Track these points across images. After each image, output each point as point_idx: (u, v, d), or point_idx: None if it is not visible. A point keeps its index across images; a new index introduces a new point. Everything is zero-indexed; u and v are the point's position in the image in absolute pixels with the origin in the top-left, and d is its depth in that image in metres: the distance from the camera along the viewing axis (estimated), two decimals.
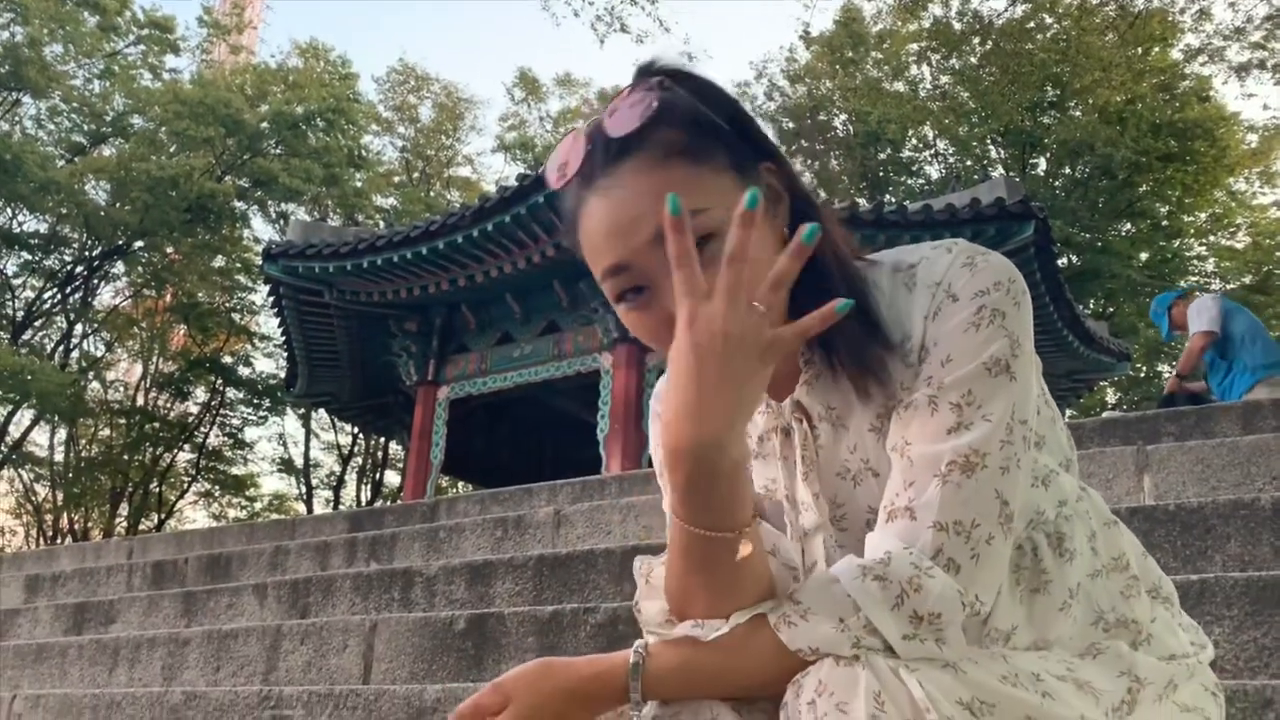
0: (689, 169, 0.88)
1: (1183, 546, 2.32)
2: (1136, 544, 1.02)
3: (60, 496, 19.10)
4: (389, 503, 19.44)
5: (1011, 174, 16.87)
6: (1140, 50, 13.92)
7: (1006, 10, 13.23)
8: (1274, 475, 2.73)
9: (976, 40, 13.31)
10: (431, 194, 23.02)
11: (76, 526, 19.34)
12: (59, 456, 19.12)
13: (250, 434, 32.01)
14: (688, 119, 0.89)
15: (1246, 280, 18.83)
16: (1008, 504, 0.84)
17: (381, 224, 18.76)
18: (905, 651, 0.79)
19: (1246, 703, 1.54)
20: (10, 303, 18.26)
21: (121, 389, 20.99)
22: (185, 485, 21.47)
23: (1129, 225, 19.34)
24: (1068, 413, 14.79)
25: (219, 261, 19.62)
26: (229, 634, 3.46)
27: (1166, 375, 17.61)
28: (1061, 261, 16.27)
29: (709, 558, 0.84)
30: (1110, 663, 0.89)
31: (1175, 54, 15.78)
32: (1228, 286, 18.98)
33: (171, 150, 18.05)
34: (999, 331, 0.87)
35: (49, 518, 19.39)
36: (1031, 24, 14.31)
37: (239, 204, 19.19)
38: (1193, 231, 19.80)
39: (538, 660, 0.89)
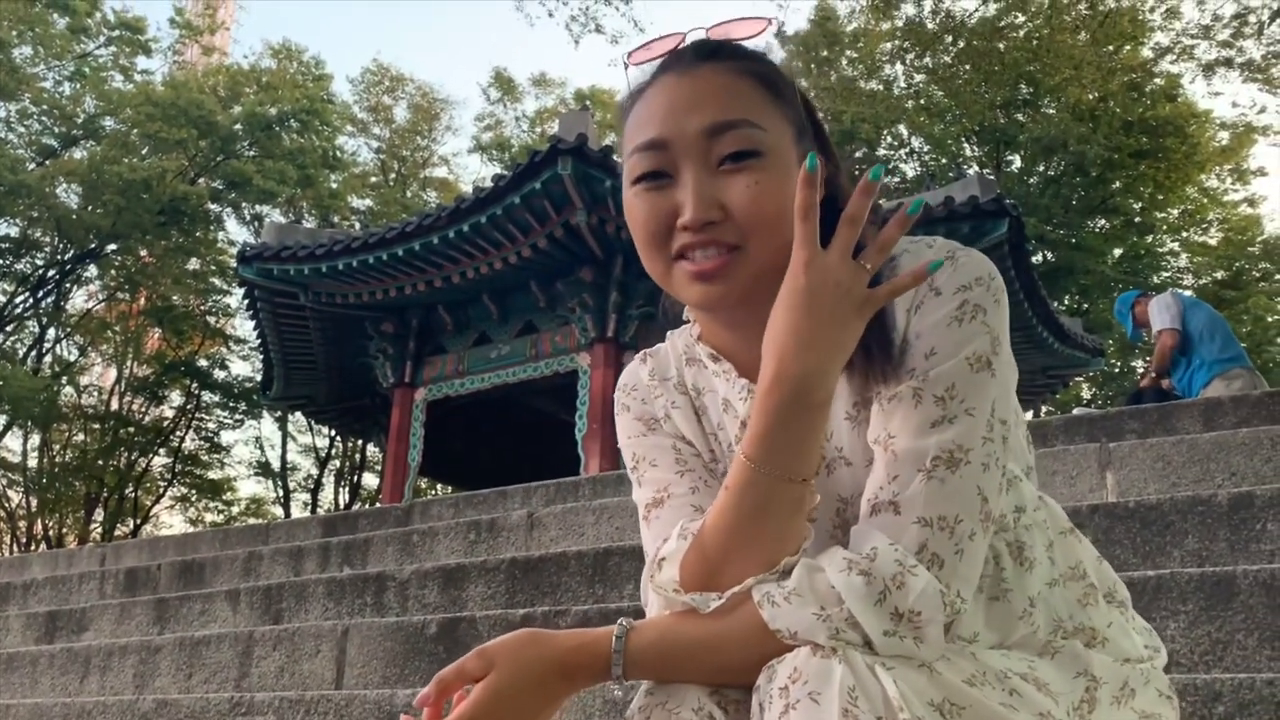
0: (763, 96, 0.93)
1: (1142, 543, 2.36)
2: (1091, 550, 1.03)
3: (34, 502, 18.90)
4: (367, 505, 19.35)
5: (986, 172, 16.97)
6: (1111, 48, 14.04)
7: (978, 9, 13.32)
8: (1232, 471, 2.77)
9: (950, 39, 13.40)
10: (408, 195, 22.91)
11: (51, 532, 19.14)
12: (32, 462, 18.93)
13: (227, 437, 31.73)
14: (777, 67, 0.96)
15: (1218, 276, 19.03)
16: (987, 500, 0.86)
17: (357, 225, 18.69)
18: (884, 648, 0.80)
19: (1197, 696, 1.57)
20: None
21: (95, 393, 20.83)
22: (161, 490, 21.29)
23: (1102, 222, 19.52)
24: (1043, 409, 14.90)
25: (193, 264, 19.48)
26: (201, 641, 3.45)
27: (1140, 370, 17.79)
28: (1035, 258, 16.40)
29: (769, 506, 0.85)
30: (1067, 663, 0.91)
31: (1145, 52, 15.93)
32: (1199, 282, 19.17)
33: (144, 152, 17.89)
34: (981, 328, 0.88)
35: (22, 524, 19.19)
36: (1003, 23, 14.40)
37: (213, 206, 19.07)
38: (1165, 228, 20.00)
39: (524, 630, 0.90)
